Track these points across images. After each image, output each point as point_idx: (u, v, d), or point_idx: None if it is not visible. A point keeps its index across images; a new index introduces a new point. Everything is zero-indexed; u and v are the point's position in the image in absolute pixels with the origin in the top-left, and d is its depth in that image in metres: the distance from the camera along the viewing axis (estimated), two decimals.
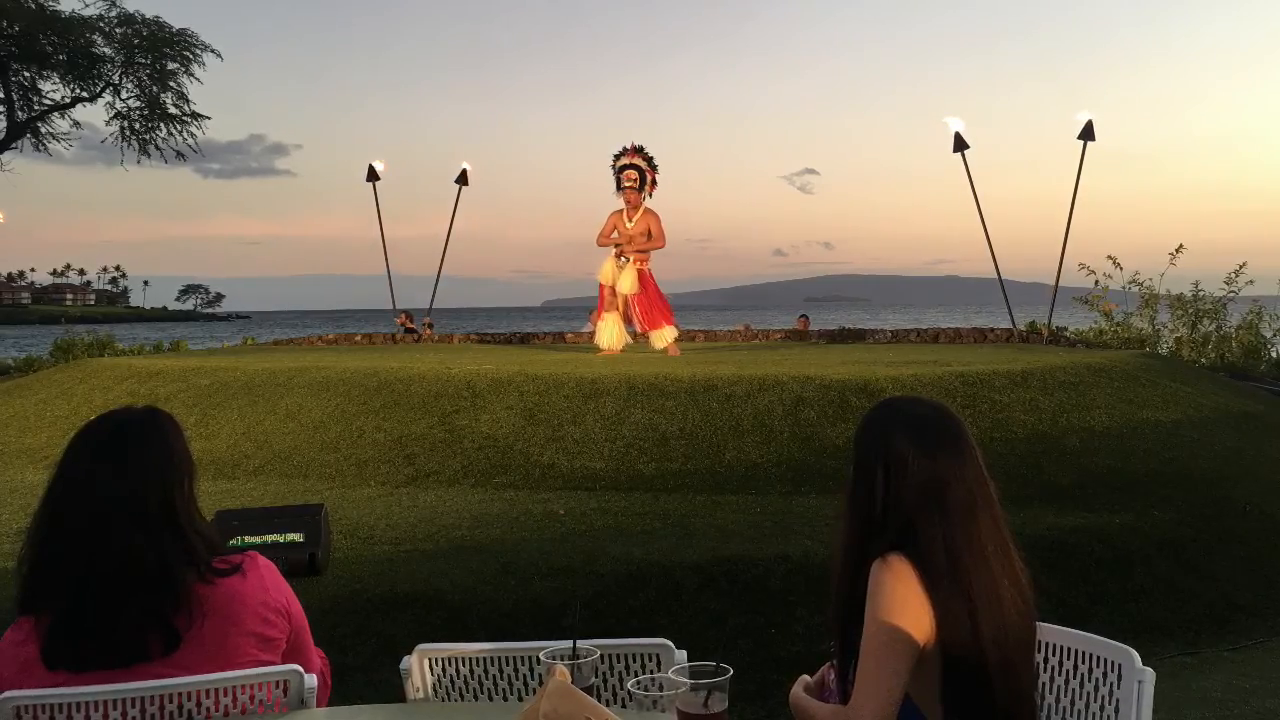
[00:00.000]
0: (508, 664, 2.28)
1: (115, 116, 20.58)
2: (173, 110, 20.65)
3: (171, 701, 1.91)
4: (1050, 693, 2.12)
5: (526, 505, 6.23)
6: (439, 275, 16.75)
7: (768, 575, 4.98)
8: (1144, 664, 1.97)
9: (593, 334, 12.01)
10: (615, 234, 11.41)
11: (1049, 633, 2.12)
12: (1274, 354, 14.25)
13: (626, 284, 11.23)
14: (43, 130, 20.51)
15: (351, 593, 4.72)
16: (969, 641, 1.83)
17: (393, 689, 2.61)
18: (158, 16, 20.10)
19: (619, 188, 11.49)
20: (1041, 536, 5.46)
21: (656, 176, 11.66)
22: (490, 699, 2.27)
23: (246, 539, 4.78)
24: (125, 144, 20.70)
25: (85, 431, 2.09)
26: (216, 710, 1.95)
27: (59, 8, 19.43)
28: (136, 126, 20.70)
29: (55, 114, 20.55)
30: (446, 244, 16.43)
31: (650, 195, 11.63)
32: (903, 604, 1.82)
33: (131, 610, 1.94)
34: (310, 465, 7.42)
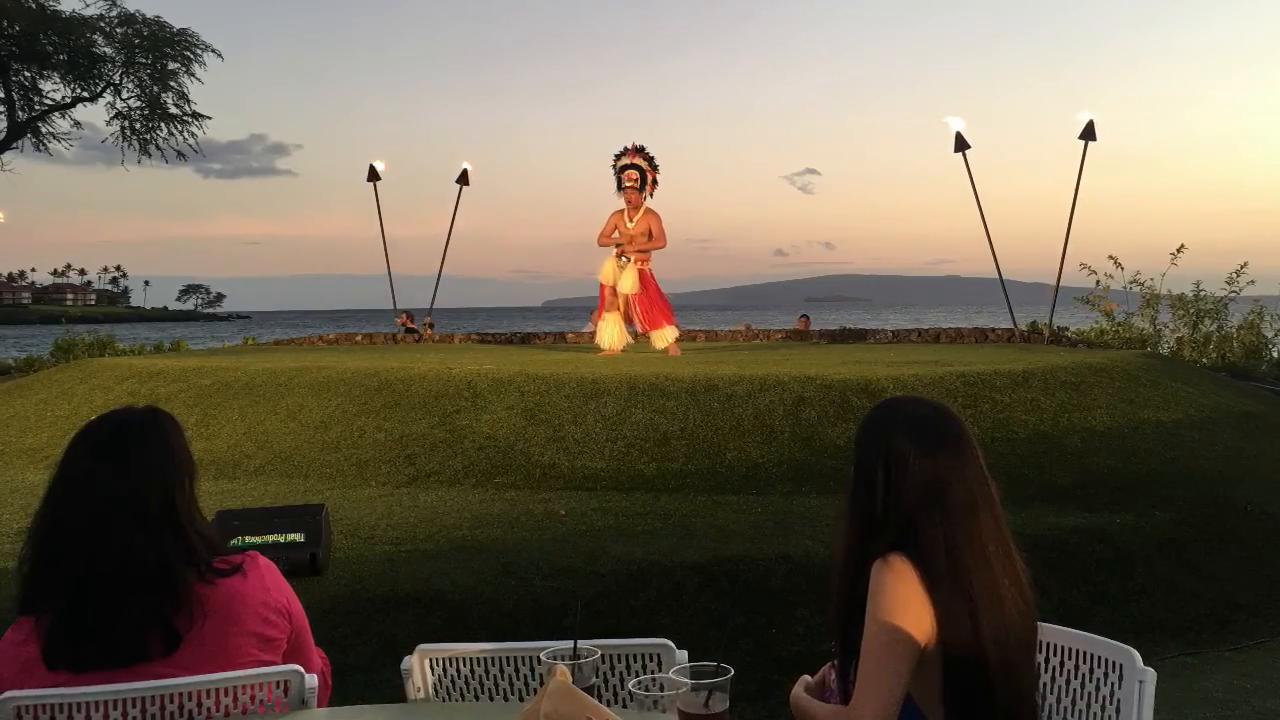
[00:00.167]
0: (508, 664, 2.28)
1: (116, 116, 20.62)
2: (173, 110, 20.69)
3: (172, 701, 1.91)
4: (1051, 693, 2.12)
5: (527, 505, 6.23)
6: (439, 275, 16.74)
7: (769, 575, 4.98)
8: (1145, 664, 1.97)
9: (593, 334, 12.01)
10: (616, 234, 11.40)
11: (1050, 633, 2.12)
12: (1275, 354, 14.24)
13: (627, 284, 11.22)
14: (43, 130, 20.55)
15: (352, 593, 4.72)
16: (970, 642, 1.83)
17: (393, 689, 2.61)
18: (158, 16, 20.16)
19: (620, 188, 11.48)
20: (1042, 536, 5.46)
21: (657, 176, 11.65)
22: (491, 699, 2.27)
23: (247, 539, 4.77)
24: (126, 144, 20.73)
25: (86, 431, 2.09)
26: (217, 710, 1.94)
27: (59, 8, 19.47)
28: (137, 126, 20.72)
29: (56, 114, 20.59)
30: (447, 244, 16.43)
31: (651, 195, 11.62)
32: (904, 604, 1.82)
33: (132, 610, 1.94)
34: (311, 465, 7.42)
